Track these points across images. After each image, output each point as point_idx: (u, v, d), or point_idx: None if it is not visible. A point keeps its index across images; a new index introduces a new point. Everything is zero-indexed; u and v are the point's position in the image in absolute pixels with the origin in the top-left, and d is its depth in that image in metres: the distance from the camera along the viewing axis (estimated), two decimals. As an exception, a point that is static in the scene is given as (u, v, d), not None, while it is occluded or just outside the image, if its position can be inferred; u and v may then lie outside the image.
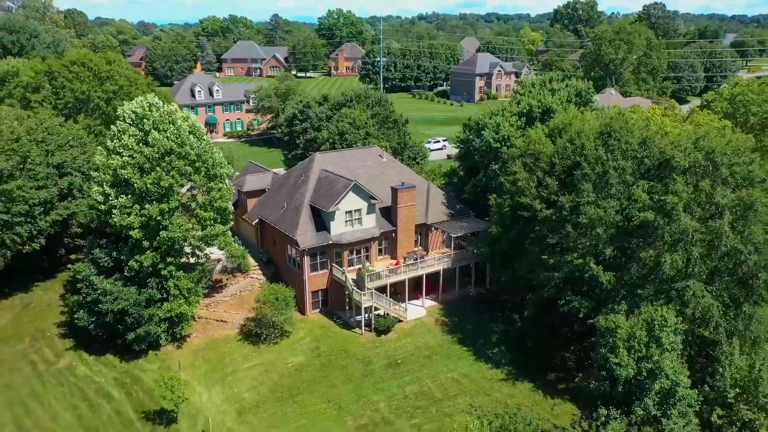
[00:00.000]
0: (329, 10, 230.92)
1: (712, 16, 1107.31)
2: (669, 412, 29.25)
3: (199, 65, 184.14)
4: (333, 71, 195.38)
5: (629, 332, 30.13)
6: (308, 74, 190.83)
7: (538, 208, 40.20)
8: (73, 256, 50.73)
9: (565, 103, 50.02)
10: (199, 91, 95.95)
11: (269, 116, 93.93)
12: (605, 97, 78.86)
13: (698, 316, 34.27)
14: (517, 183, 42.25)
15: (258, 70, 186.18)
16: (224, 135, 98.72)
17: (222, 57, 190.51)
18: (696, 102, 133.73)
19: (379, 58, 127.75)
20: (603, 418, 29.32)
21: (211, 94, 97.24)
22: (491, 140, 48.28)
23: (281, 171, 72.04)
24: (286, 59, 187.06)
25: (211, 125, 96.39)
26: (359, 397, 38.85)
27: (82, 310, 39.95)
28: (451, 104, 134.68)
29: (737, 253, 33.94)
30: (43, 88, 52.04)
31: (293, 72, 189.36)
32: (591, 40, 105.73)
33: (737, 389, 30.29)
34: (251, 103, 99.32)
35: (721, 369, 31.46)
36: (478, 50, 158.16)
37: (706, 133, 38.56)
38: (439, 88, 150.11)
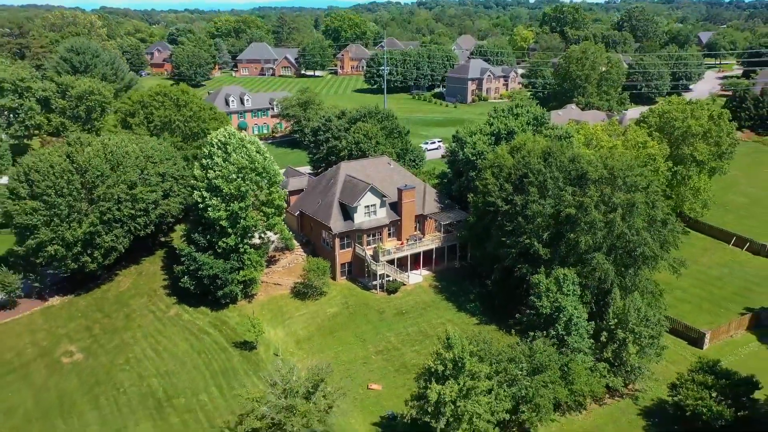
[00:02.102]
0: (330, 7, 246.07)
1: (710, 2, 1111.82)
2: (571, 334, 47.52)
3: (217, 67, 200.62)
4: (339, 70, 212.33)
5: (546, 285, 48.32)
6: (316, 73, 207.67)
7: (500, 205, 58.14)
8: (164, 239, 68.81)
9: (525, 125, 67.73)
10: (233, 101, 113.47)
11: (291, 121, 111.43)
12: (566, 112, 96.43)
13: (601, 276, 52.36)
14: (487, 186, 60.12)
15: (271, 70, 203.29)
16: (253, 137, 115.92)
17: (237, 58, 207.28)
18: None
19: (383, 66, 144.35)
20: (532, 337, 47.60)
21: (242, 102, 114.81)
22: (470, 154, 66.10)
23: (308, 169, 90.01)
24: (296, 60, 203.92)
25: (242, 129, 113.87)
26: (377, 333, 57.10)
27: (186, 276, 57.96)
28: (446, 105, 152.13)
29: (625, 236, 51.98)
30: (138, 114, 69.66)
31: (303, 71, 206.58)
32: (562, 57, 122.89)
33: (616, 320, 48.42)
34: (275, 110, 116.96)
35: (609, 308, 49.65)
36: (471, 55, 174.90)
37: (611, 155, 56.50)
38: (436, 90, 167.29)
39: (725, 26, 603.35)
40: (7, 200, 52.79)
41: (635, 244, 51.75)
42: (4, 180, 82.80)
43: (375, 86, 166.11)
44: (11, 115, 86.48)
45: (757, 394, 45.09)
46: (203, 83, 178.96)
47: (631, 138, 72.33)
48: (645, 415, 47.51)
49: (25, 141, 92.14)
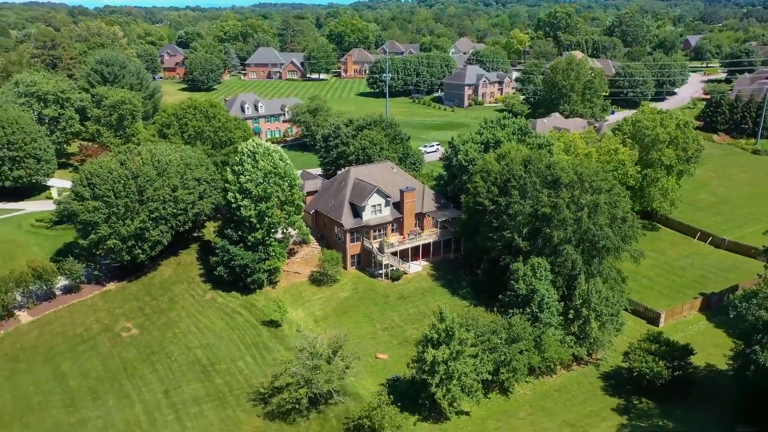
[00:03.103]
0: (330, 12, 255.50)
1: None
2: (543, 312, 57.79)
3: (226, 70, 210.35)
4: (343, 74, 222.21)
5: (523, 271, 58.57)
6: (321, 76, 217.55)
7: (487, 204, 68.26)
8: (196, 234, 78.98)
9: (511, 135, 77.84)
10: (248, 107, 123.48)
11: (302, 127, 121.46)
12: (551, 120, 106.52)
13: (570, 264, 62.49)
14: (477, 188, 70.23)
15: (278, 73, 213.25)
16: (266, 141, 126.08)
17: (246, 62, 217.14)
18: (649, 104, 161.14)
19: (385, 74, 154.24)
20: (511, 314, 57.83)
21: (256, 109, 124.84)
22: (463, 160, 76.22)
23: (318, 170, 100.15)
24: (302, 63, 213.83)
25: (256, 134, 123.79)
26: (382, 314, 67.32)
27: (220, 266, 68.09)
28: (445, 109, 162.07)
29: (590, 231, 62.11)
30: (173, 125, 79.65)
31: (308, 74, 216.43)
32: (549, 68, 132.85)
33: (581, 300, 58.62)
34: (287, 116, 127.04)
35: (576, 291, 59.87)
36: (468, 61, 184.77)
37: (581, 162, 66.62)
38: (435, 94, 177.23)
39: (721, 24, 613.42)
40: (73, 201, 62.89)
41: (599, 238, 61.88)
42: (53, 182, 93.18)
43: (377, 90, 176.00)
44: (54, 124, 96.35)
45: (693, 359, 55.54)
46: (215, 87, 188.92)
47: (605, 145, 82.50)
48: (604, 378, 57.79)
49: (64, 146, 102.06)
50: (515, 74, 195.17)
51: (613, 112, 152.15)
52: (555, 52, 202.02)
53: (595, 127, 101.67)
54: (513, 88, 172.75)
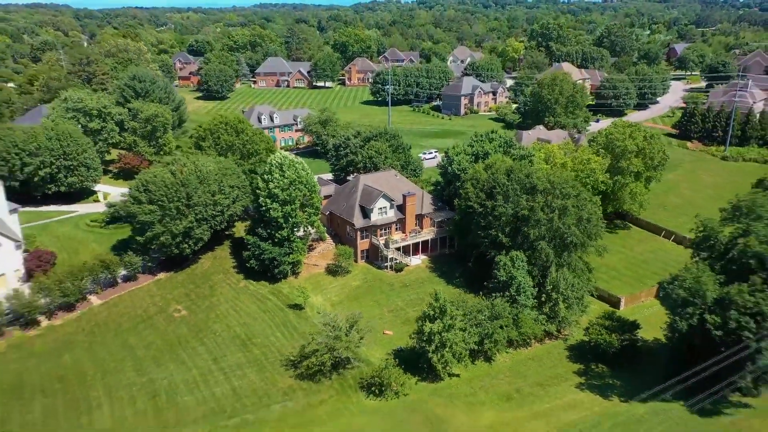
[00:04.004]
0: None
1: (705, 1, 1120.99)
2: (520, 295, 70.86)
3: (237, 79, 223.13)
4: (347, 82, 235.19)
5: (504, 262, 71.65)
6: (326, 84, 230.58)
7: (476, 207, 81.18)
8: (228, 233, 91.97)
9: (497, 148, 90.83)
10: (264, 118, 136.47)
11: (313, 136, 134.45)
12: (535, 132, 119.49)
13: (544, 257, 75.46)
14: (468, 194, 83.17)
15: (286, 82, 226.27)
16: (281, 149, 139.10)
17: (255, 71, 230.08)
18: (632, 114, 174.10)
19: (387, 85, 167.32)
20: (493, 297, 70.86)
21: (271, 119, 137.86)
22: (456, 169, 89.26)
23: (329, 175, 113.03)
24: (309, 72, 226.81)
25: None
26: (388, 299, 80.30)
27: (252, 259, 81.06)
28: (442, 118, 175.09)
29: (560, 229, 75.09)
30: (207, 138, 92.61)
31: (314, 83, 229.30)
32: (537, 83, 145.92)
33: (551, 286, 71.66)
34: (299, 125, 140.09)
35: (548, 279, 72.89)
36: (465, 72, 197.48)
37: (554, 171, 79.68)
38: (434, 103, 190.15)
39: (714, 28, 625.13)
40: (132, 205, 75.85)
41: (567, 235, 74.80)
42: (98, 187, 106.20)
43: (380, 99, 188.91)
44: (97, 135, 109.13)
45: (643, 334, 68.68)
46: (228, 95, 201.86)
47: (579, 156, 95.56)
48: (569, 350, 70.85)
49: (105, 155, 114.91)
50: (510, 82, 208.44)
51: (597, 120, 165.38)
52: (546, 62, 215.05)
53: (573, 138, 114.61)
54: (506, 97, 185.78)
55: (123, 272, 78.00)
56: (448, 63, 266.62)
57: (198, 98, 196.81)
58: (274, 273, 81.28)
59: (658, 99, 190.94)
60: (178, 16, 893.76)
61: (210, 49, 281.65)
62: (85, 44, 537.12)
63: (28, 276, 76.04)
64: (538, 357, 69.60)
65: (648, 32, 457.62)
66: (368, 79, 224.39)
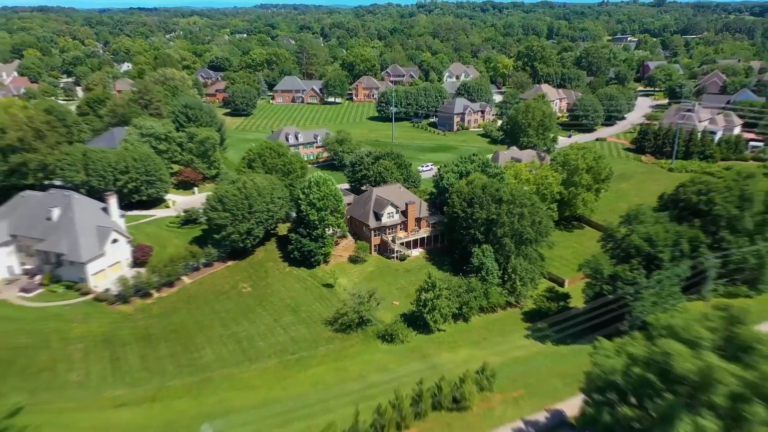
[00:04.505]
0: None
1: (698, 5, 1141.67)
2: (488, 276, 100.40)
3: (259, 98, 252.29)
4: (354, 97, 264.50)
5: (477, 252, 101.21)
6: (336, 100, 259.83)
7: (460, 213, 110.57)
8: (273, 231, 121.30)
9: (477, 167, 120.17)
10: (290, 137, 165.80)
11: (330, 152, 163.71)
12: (510, 151, 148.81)
13: (507, 249, 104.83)
14: (454, 203, 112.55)
15: (300, 98, 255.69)
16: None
17: (273, 88, 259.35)
18: (601, 130, 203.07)
19: (391, 107, 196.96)
20: (470, 278, 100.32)
21: (296, 138, 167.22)
22: (445, 184, 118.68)
23: (346, 185, 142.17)
24: (321, 89, 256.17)
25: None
26: (395, 280, 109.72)
27: (295, 251, 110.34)
28: (438, 133, 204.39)
29: (518, 229, 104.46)
30: (256, 161, 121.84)
31: (326, 98, 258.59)
32: (514, 109, 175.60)
33: (511, 269, 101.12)
34: (318, 143, 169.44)
35: (509, 264, 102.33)
36: (458, 92, 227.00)
37: (517, 185, 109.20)
38: (431, 120, 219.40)
39: (700, 36, 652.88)
40: (211, 212, 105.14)
41: (523, 234, 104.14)
42: (168, 196, 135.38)
43: (384, 115, 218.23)
44: (163, 154, 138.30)
45: (576, 303, 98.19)
46: (252, 112, 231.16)
47: (539, 173, 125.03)
48: (524, 315, 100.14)
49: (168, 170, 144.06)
50: (498, 98, 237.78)
51: (570, 136, 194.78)
52: (530, 82, 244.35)
53: (540, 156, 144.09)
54: (493, 115, 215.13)
55: (203, 260, 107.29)
56: (444, 78, 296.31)
57: (226, 114, 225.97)
58: (311, 261, 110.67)
59: (626, 116, 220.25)
60: (183, 22, 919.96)
61: (229, 65, 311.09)
62: (101, 51, 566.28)
63: (134, 263, 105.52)
64: (501, 319, 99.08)
65: (629, 47, 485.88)
66: (373, 95, 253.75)
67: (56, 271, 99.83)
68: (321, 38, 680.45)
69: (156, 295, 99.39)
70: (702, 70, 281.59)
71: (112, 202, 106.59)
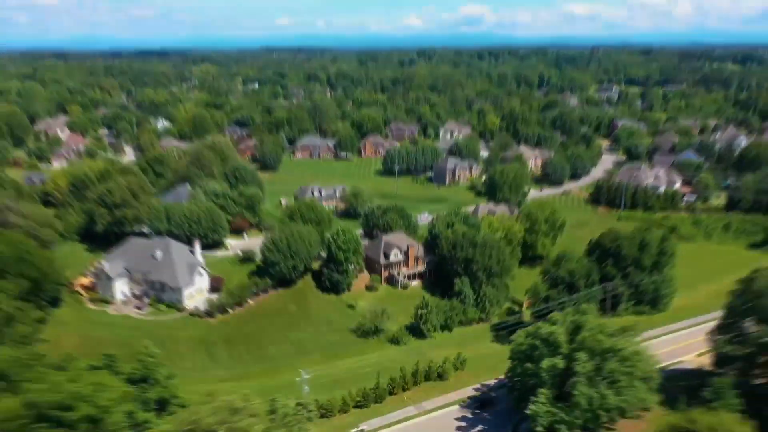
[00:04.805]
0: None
1: (692, 45, 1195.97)
2: (466, 299, 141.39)
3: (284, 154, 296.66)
4: (363, 153, 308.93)
5: (459, 282, 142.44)
6: (347, 155, 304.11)
7: (447, 254, 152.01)
8: (309, 267, 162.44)
9: (460, 220, 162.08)
10: (315, 192, 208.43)
11: (347, 204, 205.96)
12: (487, 206, 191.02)
13: (480, 280, 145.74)
14: (442, 246, 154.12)
15: (317, 154, 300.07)
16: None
17: (294, 145, 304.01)
18: (568, 184, 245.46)
19: (396, 167, 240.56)
20: (453, 300, 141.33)
21: (320, 193, 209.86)
22: (436, 232, 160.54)
23: (360, 231, 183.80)
24: (334, 146, 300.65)
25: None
26: (399, 303, 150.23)
27: (327, 281, 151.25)
28: (433, 186, 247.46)
29: (488, 265, 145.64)
30: (295, 213, 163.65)
31: (338, 153, 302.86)
32: (493, 171, 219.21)
33: (483, 294, 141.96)
34: (337, 196, 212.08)
35: (480, 291, 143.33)
36: (450, 152, 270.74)
37: (489, 233, 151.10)
38: (428, 174, 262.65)
39: (679, 88, 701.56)
40: (267, 252, 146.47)
41: (492, 269, 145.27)
42: (227, 240, 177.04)
43: (389, 171, 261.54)
44: (222, 208, 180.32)
45: (523, 317, 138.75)
46: (278, 167, 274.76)
47: (507, 223, 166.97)
48: (492, 327, 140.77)
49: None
50: (485, 153, 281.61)
51: (541, 189, 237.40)
52: (512, 142, 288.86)
53: (511, 209, 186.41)
54: (479, 170, 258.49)
55: (261, 288, 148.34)
56: (441, 133, 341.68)
57: (256, 169, 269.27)
58: (338, 289, 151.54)
59: (591, 171, 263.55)
60: (197, 70, 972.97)
61: (252, 121, 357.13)
62: (125, 101, 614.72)
63: (212, 289, 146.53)
64: (475, 330, 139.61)
65: (612, 97, 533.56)
66: (379, 151, 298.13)
67: (160, 294, 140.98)
68: (328, 87, 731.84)
69: (231, 312, 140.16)
70: (665, 128, 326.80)
71: (197, 245, 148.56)
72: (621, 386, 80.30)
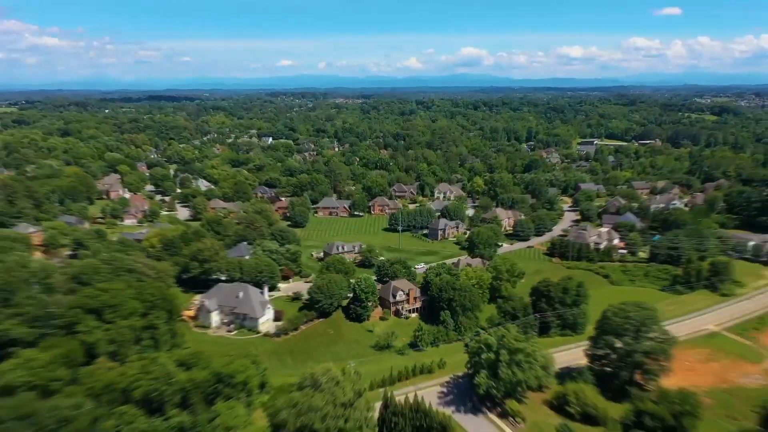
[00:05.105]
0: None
1: (683, 88, 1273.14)
2: (448, 326, 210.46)
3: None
4: (372, 212, 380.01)
5: (443, 314, 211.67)
6: (359, 213, 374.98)
7: (435, 295, 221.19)
8: (340, 304, 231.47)
9: (445, 270, 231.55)
10: (339, 247, 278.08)
11: (363, 256, 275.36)
12: (466, 259, 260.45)
13: (458, 313, 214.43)
14: (432, 289, 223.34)
15: (335, 213, 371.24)
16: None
17: (316, 206, 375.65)
18: (534, 239, 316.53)
19: (399, 227, 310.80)
20: (438, 327, 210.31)
21: (342, 248, 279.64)
22: (429, 279, 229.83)
23: (374, 277, 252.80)
24: (349, 206, 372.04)
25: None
26: (406, 327, 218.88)
27: (353, 313, 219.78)
28: (428, 242, 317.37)
29: (464, 304, 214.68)
30: (331, 266, 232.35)
31: (352, 213, 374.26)
32: (472, 232, 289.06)
33: (459, 323, 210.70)
34: (355, 251, 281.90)
35: (457, 320, 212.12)
36: (441, 213, 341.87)
37: (465, 280, 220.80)
38: (424, 231, 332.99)
39: (654, 141, 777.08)
40: (314, 293, 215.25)
41: (465, 306, 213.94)
42: (280, 284, 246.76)
43: (394, 228, 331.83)
44: (276, 261, 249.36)
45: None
46: (305, 224, 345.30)
47: (479, 273, 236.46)
48: (465, 344, 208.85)
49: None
50: (471, 211, 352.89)
51: (512, 244, 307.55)
52: (492, 204, 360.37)
53: (483, 261, 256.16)
54: (465, 228, 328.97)
55: (308, 319, 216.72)
56: (435, 193, 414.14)
57: (289, 225, 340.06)
58: (361, 319, 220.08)
59: (553, 228, 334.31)
60: (213, 122, 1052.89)
61: (279, 182, 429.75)
62: (154, 155, 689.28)
63: (275, 319, 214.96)
64: (454, 346, 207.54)
65: (590, 153, 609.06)
66: (385, 210, 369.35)
67: (242, 322, 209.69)
68: (336, 141, 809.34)
69: (290, 334, 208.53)
70: (618, 191, 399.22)
71: (266, 288, 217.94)
72: (525, 369, 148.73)
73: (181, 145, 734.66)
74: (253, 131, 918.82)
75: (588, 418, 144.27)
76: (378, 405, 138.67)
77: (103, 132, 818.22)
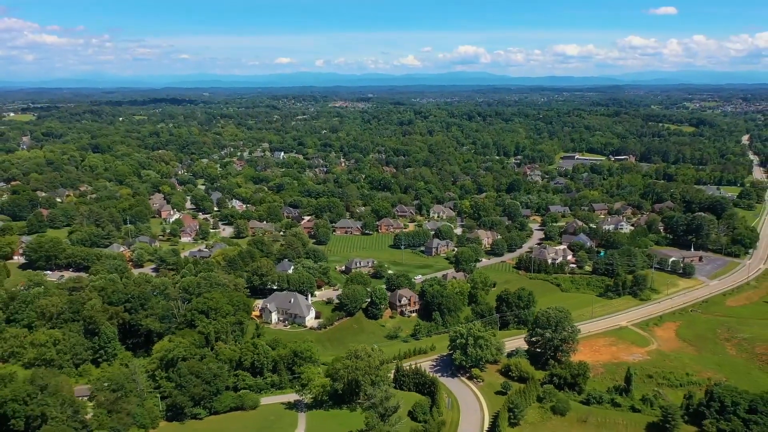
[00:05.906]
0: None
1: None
2: (439, 326, 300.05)
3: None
4: (379, 230, 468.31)
5: (435, 314, 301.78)
6: (369, 232, 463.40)
7: (428, 300, 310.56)
8: (361, 306, 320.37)
9: (437, 282, 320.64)
10: (357, 263, 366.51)
11: (376, 269, 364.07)
12: (452, 272, 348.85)
13: (444, 313, 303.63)
14: (426, 295, 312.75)
15: (350, 232, 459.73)
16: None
17: (334, 225, 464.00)
18: (507, 255, 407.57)
19: (402, 245, 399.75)
20: (430, 323, 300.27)
21: (360, 264, 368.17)
22: (425, 289, 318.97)
23: (384, 286, 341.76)
24: (361, 226, 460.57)
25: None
26: (406, 323, 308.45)
27: (371, 313, 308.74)
28: (424, 257, 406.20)
29: (449, 306, 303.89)
30: (354, 278, 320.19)
31: (364, 231, 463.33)
32: (458, 250, 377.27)
33: (446, 320, 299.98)
34: (369, 266, 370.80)
35: (445, 319, 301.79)
36: (435, 234, 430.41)
37: (450, 291, 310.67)
38: (422, 248, 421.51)
39: (628, 158, 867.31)
40: (344, 299, 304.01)
41: (451, 308, 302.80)
42: (315, 292, 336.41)
43: (398, 246, 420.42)
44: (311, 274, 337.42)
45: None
46: (327, 242, 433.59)
47: (461, 283, 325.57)
48: (449, 335, 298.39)
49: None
50: (459, 230, 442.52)
51: (489, 258, 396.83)
52: (475, 225, 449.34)
53: (465, 275, 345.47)
54: (454, 245, 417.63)
55: (339, 317, 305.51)
56: (431, 213, 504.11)
57: (314, 243, 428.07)
58: (376, 317, 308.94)
59: (523, 245, 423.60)
60: (226, 134, 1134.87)
61: (301, 203, 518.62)
62: (180, 171, 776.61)
63: (316, 317, 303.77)
64: (442, 336, 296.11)
65: (569, 171, 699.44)
66: (390, 229, 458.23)
67: (293, 319, 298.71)
68: (342, 156, 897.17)
69: (327, 328, 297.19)
70: (579, 212, 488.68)
71: (309, 295, 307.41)
72: (484, 349, 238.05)
73: (204, 161, 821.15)
74: (265, 144, 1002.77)
75: (522, 380, 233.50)
76: (392, 371, 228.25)
77: (127, 144, 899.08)
